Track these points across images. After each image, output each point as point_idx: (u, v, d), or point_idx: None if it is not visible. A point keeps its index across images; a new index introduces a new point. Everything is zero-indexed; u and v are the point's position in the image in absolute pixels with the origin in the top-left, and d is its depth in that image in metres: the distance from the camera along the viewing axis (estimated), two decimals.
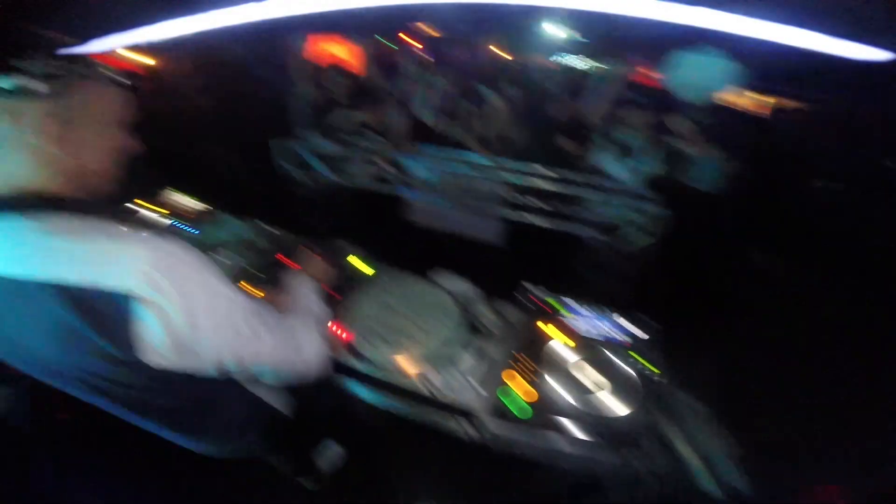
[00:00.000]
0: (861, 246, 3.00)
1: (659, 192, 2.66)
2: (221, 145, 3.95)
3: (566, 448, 1.14)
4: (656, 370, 1.27)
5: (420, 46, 5.59)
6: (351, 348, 1.33)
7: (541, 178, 2.87)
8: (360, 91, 3.32)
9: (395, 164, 3.19)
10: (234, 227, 1.78)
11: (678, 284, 2.62)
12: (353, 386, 1.36)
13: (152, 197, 1.87)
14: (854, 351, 2.25)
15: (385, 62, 3.79)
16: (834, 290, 2.73)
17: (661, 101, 2.73)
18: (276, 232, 1.77)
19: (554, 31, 5.75)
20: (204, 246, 1.61)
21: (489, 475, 1.58)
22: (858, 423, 1.86)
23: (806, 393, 2.02)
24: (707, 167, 2.89)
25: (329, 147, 3.24)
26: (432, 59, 3.78)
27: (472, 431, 1.25)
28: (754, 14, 1.18)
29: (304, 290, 1.14)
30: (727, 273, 2.91)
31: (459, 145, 3.17)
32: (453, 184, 3.11)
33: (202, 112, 4.41)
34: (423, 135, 3.32)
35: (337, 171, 3.35)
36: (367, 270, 1.62)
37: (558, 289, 1.55)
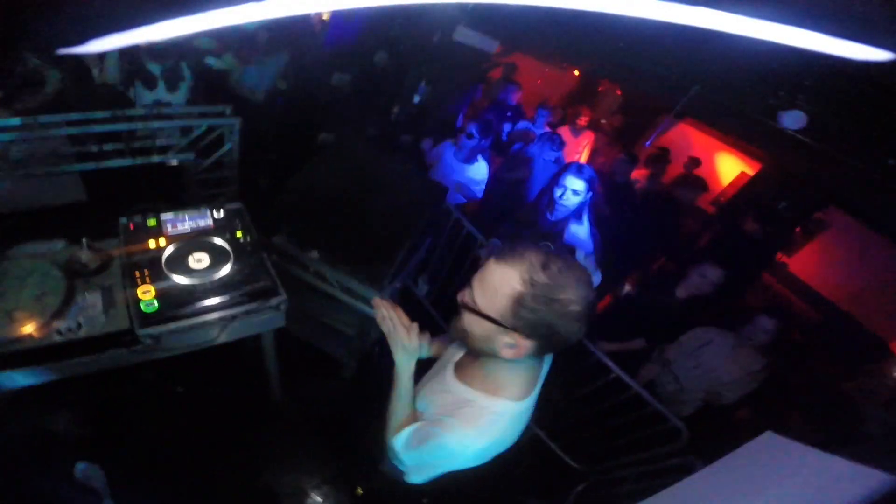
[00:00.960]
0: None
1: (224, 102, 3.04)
2: None
3: (211, 318, 1.58)
4: (241, 234, 1.84)
5: None
6: None
7: (97, 122, 2.65)
8: None
9: None
10: None
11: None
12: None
13: None
14: None
15: None
16: None
17: None
18: None
19: None
20: None
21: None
22: None
23: None
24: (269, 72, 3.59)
25: None
26: None
27: (133, 347, 1.50)
28: (754, 14, 1.10)
29: None
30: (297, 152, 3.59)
31: None
32: None
33: None
34: None
35: None
36: None
37: (153, 210, 1.84)
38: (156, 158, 2.89)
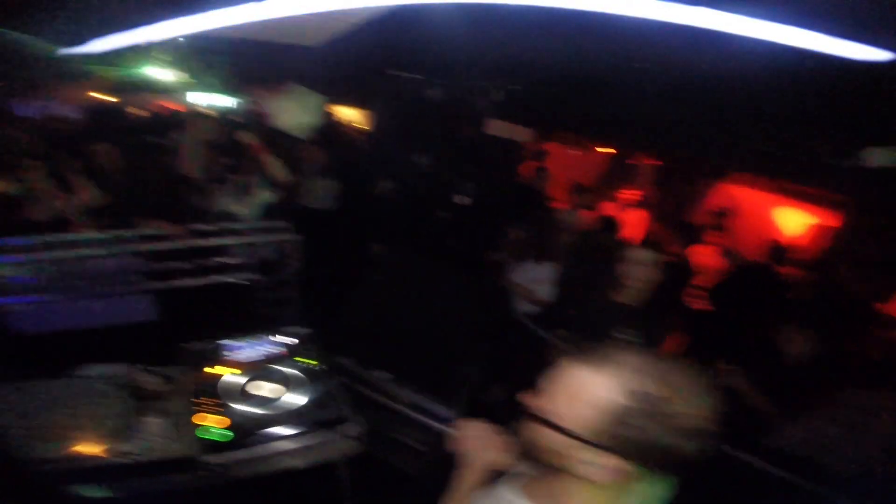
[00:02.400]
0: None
1: (283, 220, 3.20)
2: None
3: (281, 447, 1.48)
4: (314, 362, 1.80)
5: None
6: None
7: (167, 239, 2.88)
8: None
9: None
10: None
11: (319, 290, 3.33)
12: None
13: None
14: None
15: None
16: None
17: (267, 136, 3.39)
18: None
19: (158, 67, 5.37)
20: None
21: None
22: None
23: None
24: (316, 188, 3.79)
25: None
26: None
27: (199, 474, 1.41)
28: (754, 14, 1.09)
29: None
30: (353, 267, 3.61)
31: (55, 227, 2.74)
32: (63, 274, 2.68)
33: None
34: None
35: None
36: None
37: (218, 334, 1.84)
38: (222, 277, 3.03)
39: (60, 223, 2.81)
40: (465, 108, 4.12)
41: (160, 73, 4.90)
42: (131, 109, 6.84)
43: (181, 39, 3.20)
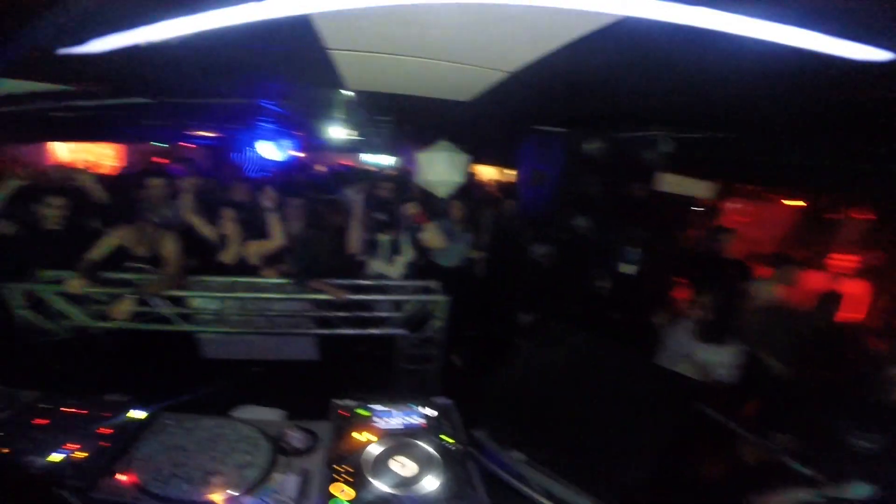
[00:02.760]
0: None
1: (433, 279, 3.21)
2: None
3: None
4: (452, 441, 1.59)
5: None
6: (143, 490, 1.33)
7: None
8: (115, 210, 3.01)
9: (171, 300, 2.92)
10: None
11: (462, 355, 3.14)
12: None
13: None
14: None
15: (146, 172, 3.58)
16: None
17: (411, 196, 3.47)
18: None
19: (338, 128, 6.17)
20: None
21: None
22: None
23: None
24: (460, 248, 3.73)
25: (80, 285, 2.73)
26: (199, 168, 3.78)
27: None
28: (754, 14, 1.09)
29: None
30: (500, 335, 3.50)
31: (241, 270, 3.16)
32: (242, 311, 3.06)
33: None
34: (200, 261, 3.18)
35: (94, 315, 2.85)
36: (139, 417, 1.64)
37: (366, 390, 1.78)
38: (376, 330, 3.12)
39: (247, 267, 3.22)
40: (630, 161, 3.70)
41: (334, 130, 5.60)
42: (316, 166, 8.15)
43: (348, 95, 3.54)
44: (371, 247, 3.40)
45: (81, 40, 1.50)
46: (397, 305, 3.14)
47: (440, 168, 3.63)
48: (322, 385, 2.00)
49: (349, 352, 3.24)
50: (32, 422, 1.54)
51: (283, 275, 3.17)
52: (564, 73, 2.29)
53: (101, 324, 2.87)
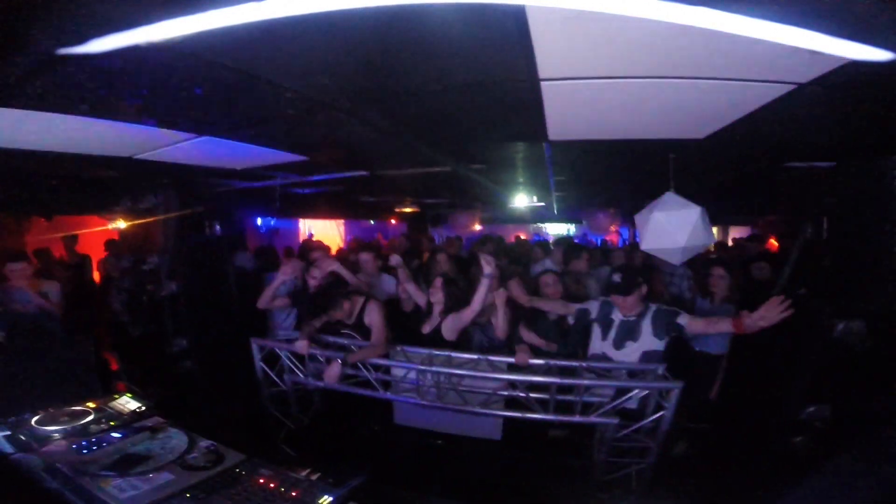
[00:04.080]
0: None
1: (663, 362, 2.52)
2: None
3: None
4: None
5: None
6: None
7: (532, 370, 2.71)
8: (335, 284, 3.26)
9: (377, 368, 2.94)
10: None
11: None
12: None
13: None
14: None
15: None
16: None
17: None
18: None
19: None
20: None
21: None
22: None
23: None
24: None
25: (307, 347, 2.99)
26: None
27: None
28: (754, 14, 1.09)
29: None
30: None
31: (450, 344, 3.00)
32: (445, 385, 2.86)
33: None
34: (407, 332, 3.21)
35: (313, 374, 3.09)
36: None
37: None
38: (577, 418, 2.53)
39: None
40: None
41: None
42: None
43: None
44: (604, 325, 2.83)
45: None
46: (618, 393, 2.47)
47: (673, 228, 2.79)
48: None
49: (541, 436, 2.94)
50: (227, 489, 1.50)
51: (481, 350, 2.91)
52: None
53: (317, 383, 3.07)
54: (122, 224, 4.25)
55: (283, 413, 3.30)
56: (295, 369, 3.13)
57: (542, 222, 10.81)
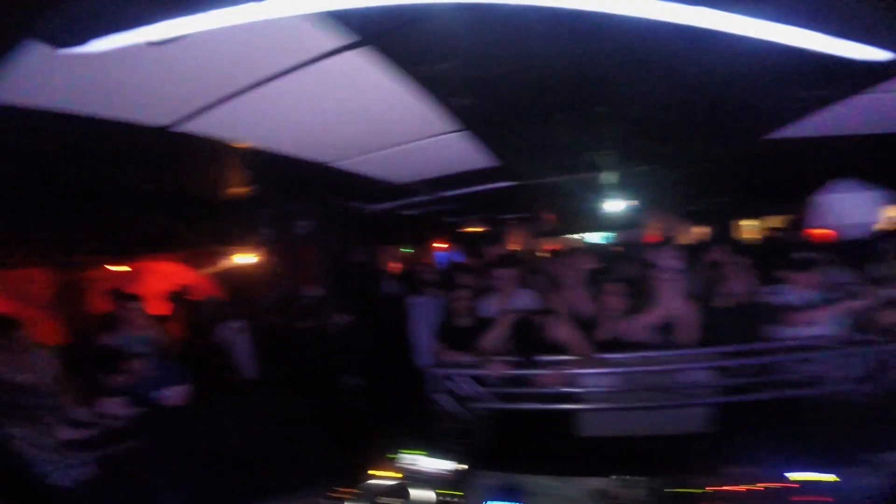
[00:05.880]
0: None
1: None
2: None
3: None
4: None
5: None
6: None
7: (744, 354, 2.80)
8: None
9: (571, 380, 2.97)
10: None
11: None
12: None
13: None
14: None
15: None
16: None
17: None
18: None
19: None
20: None
21: None
22: None
23: None
24: None
25: (499, 371, 3.00)
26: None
27: None
28: (754, 14, 1.07)
29: None
30: None
31: (639, 345, 3.06)
32: (640, 387, 2.94)
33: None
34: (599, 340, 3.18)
35: (501, 397, 3.05)
36: None
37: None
38: (798, 391, 2.66)
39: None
40: None
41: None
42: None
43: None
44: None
45: None
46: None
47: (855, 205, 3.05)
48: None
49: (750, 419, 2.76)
50: None
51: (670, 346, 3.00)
52: None
53: (503, 405, 3.04)
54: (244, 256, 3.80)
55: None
56: (477, 395, 3.10)
57: None
